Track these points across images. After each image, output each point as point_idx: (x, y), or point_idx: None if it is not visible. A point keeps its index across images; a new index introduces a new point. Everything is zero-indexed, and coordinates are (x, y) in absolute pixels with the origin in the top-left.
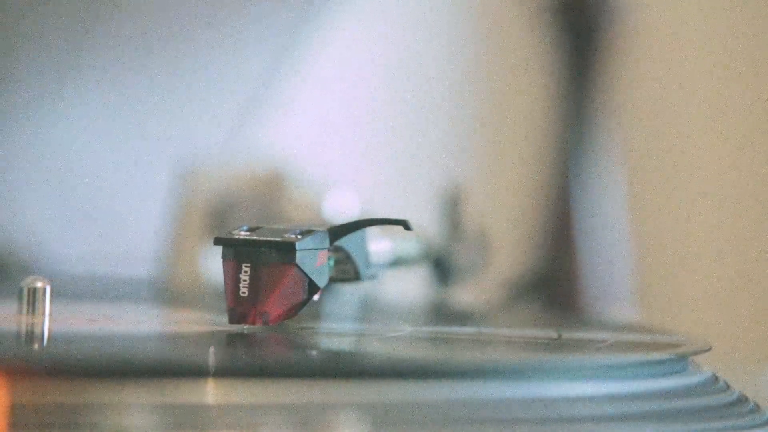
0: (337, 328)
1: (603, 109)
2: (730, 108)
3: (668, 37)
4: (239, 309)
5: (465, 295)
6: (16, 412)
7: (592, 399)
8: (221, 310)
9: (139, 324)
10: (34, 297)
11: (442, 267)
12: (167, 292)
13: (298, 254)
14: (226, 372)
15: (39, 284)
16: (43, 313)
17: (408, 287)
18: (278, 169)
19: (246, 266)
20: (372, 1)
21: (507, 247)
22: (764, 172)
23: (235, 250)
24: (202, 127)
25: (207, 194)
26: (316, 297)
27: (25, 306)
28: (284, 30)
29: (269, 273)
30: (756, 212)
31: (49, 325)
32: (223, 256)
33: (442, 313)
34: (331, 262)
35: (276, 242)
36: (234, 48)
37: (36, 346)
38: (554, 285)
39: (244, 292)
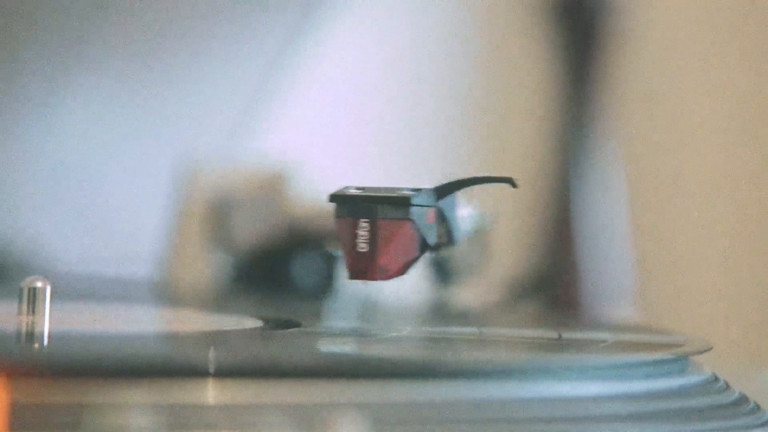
0: (337, 327)
1: (603, 108)
2: (731, 107)
3: (668, 36)
4: (358, 265)
5: (465, 295)
6: (16, 412)
7: (592, 399)
8: (221, 309)
9: (139, 324)
10: (34, 297)
11: (442, 267)
12: (168, 292)
13: (413, 210)
14: (226, 372)
15: (39, 284)
16: (43, 313)
17: (408, 287)
18: (279, 168)
19: (364, 222)
20: (372, 0)
21: (507, 247)
22: (765, 172)
23: (352, 207)
24: (202, 127)
25: (207, 194)
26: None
27: (25, 306)
28: (285, 29)
29: (387, 228)
30: (757, 212)
31: (49, 325)
32: (338, 214)
33: (442, 313)
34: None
35: (393, 197)
36: (235, 47)
37: (36, 346)
38: (554, 285)
39: (363, 248)
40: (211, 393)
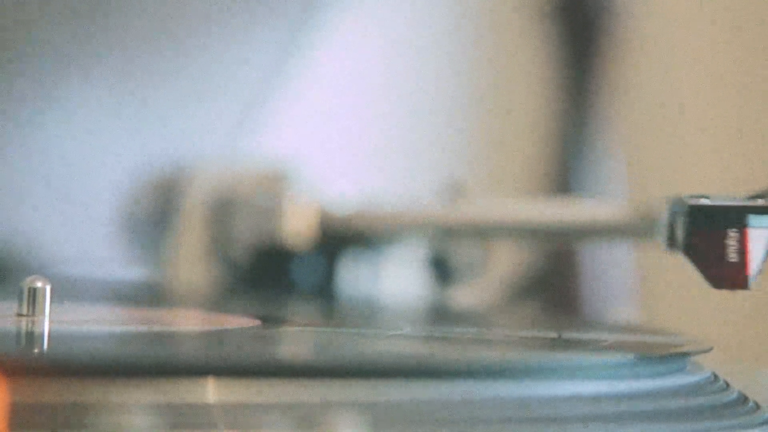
0: (337, 327)
1: (603, 108)
2: (731, 107)
3: (669, 36)
4: (727, 274)
5: (465, 295)
6: (16, 412)
7: (591, 399)
8: (221, 309)
9: (139, 324)
10: (34, 297)
11: (442, 267)
12: (167, 292)
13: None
14: (226, 372)
15: (39, 284)
16: (43, 313)
17: (408, 287)
18: (279, 168)
19: (733, 232)
20: (372, 0)
21: (507, 247)
22: (765, 172)
23: (720, 218)
24: (202, 127)
25: (207, 194)
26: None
27: (25, 306)
28: (285, 29)
29: (757, 237)
30: None
31: (49, 325)
32: (700, 225)
33: (441, 313)
34: None
35: (761, 207)
36: (235, 47)
37: (36, 346)
38: (554, 285)
39: (733, 258)
40: (211, 393)
